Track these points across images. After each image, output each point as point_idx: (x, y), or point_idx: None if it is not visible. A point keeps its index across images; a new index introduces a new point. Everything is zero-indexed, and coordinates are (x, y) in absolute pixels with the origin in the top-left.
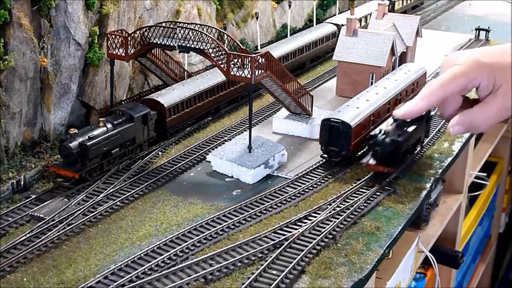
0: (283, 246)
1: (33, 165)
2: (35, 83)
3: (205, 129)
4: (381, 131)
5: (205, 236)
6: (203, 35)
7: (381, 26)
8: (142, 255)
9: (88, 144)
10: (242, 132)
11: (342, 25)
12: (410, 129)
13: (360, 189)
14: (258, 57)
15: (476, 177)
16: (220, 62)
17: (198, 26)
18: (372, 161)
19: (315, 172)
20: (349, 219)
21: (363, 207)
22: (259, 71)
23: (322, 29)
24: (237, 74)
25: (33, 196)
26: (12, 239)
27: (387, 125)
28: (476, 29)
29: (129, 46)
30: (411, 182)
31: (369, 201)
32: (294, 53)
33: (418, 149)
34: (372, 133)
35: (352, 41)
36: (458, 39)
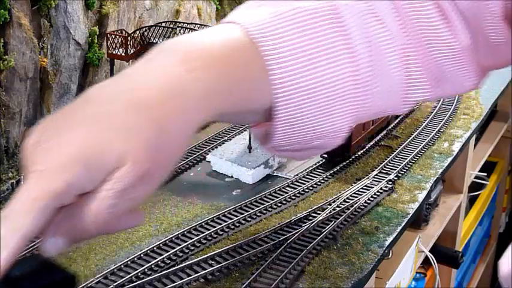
0: (283, 246)
1: None
2: (35, 83)
3: (205, 129)
4: None
5: (205, 236)
6: None
7: None
8: (142, 255)
9: None
10: (242, 132)
11: None
12: None
13: (360, 189)
14: None
15: (476, 177)
16: None
17: (198, 26)
18: None
19: (315, 172)
20: (349, 219)
21: (363, 207)
22: None
23: None
24: None
25: None
26: None
27: None
28: None
29: (129, 46)
30: (411, 182)
31: (368, 201)
32: None
33: None
34: None
35: None
36: None
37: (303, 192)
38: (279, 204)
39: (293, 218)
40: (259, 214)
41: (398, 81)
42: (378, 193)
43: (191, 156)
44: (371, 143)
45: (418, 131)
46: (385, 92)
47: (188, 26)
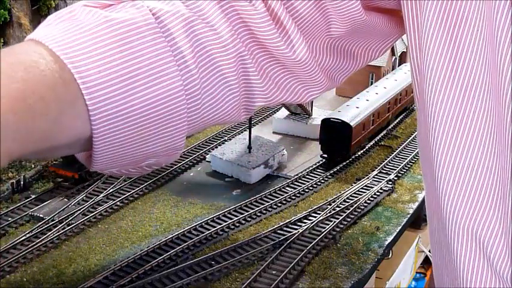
0: (283, 246)
1: (32, 165)
2: None
3: (205, 129)
4: None
5: (205, 236)
6: None
7: None
8: (142, 255)
9: None
10: (242, 132)
11: None
12: None
13: (360, 189)
14: None
15: None
16: None
17: None
18: None
19: (315, 172)
20: (349, 219)
21: (362, 207)
22: None
23: None
24: None
25: (33, 196)
26: (12, 239)
27: None
28: None
29: None
30: (411, 182)
31: (369, 201)
32: None
33: None
34: None
35: None
36: None
37: (303, 192)
38: (279, 204)
39: (293, 218)
40: (259, 214)
41: (235, 90)
42: (378, 193)
43: (191, 156)
44: (371, 143)
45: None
46: (221, 101)
47: None
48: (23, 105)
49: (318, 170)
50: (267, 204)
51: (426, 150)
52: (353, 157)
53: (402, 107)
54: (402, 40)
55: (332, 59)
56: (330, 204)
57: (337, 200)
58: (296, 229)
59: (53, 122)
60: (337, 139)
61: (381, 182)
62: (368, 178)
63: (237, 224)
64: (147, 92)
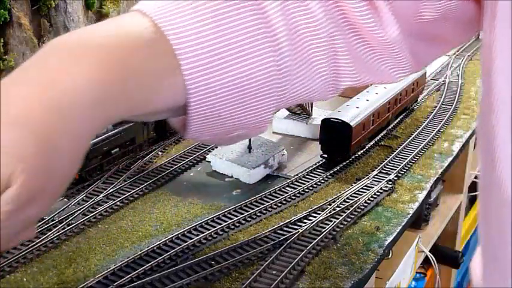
0: (283, 246)
1: None
2: None
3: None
4: None
5: (205, 236)
6: None
7: None
8: (142, 255)
9: None
10: None
11: None
12: None
13: (360, 189)
14: None
15: (476, 177)
16: None
17: None
18: None
19: (315, 172)
20: (349, 219)
21: (363, 207)
22: None
23: None
24: None
25: None
26: None
27: None
28: None
29: None
30: (411, 182)
31: (369, 201)
32: None
33: None
34: None
35: None
36: None
37: (303, 192)
38: (279, 204)
39: (293, 218)
40: (259, 214)
41: (325, 69)
42: (378, 193)
43: (191, 156)
44: (371, 143)
45: (418, 131)
46: (310, 80)
47: None
48: (124, 74)
49: (318, 170)
50: (267, 204)
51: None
52: (353, 157)
53: (402, 107)
54: None
55: (420, 42)
56: (330, 204)
57: (337, 200)
58: (296, 229)
59: (151, 90)
60: (337, 139)
61: (381, 182)
62: (368, 178)
63: (237, 224)
64: (240, 66)
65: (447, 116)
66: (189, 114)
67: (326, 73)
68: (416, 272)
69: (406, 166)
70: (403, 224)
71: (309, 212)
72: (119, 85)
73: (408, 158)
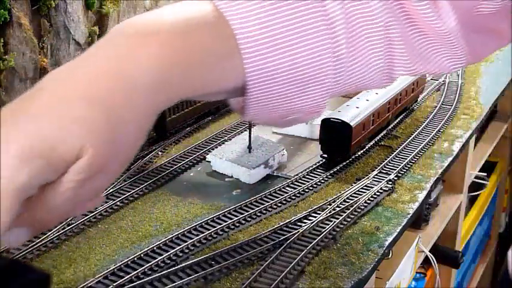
0: (283, 246)
1: None
2: (35, 83)
3: (205, 129)
4: None
5: (205, 236)
6: None
7: None
8: (142, 255)
9: None
10: (242, 132)
11: None
12: None
13: (360, 189)
14: None
15: (476, 177)
16: None
17: None
18: None
19: (315, 172)
20: (349, 219)
21: (362, 207)
22: None
23: None
24: None
25: None
26: None
27: None
28: None
29: None
30: (411, 182)
31: (369, 201)
32: None
33: None
34: None
35: None
36: None
37: (303, 192)
38: (279, 204)
39: (293, 218)
40: (259, 214)
41: (380, 57)
42: (378, 193)
43: (191, 156)
44: (371, 143)
45: (418, 131)
46: (365, 67)
47: None
48: (188, 56)
49: (318, 170)
50: (267, 204)
51: None
52: (353, 157)
53: (402, 107)
54: None
55: (478, 35)
56: (330, 204)
57: (337, 200)
58: (296, 229)
59: (212, 72)
60: (337, 139)
61: (380, 182)
62: (368, 178)
63: (237, 224)
64: (297, 52)
65: (447, 116)
66: (248, 96)
67: (381, 62)
68: (416, 272)
69: (406, 166)
70: (403, 224)
71: (309, 212)
72: (182, 66)
73: (408, 158)
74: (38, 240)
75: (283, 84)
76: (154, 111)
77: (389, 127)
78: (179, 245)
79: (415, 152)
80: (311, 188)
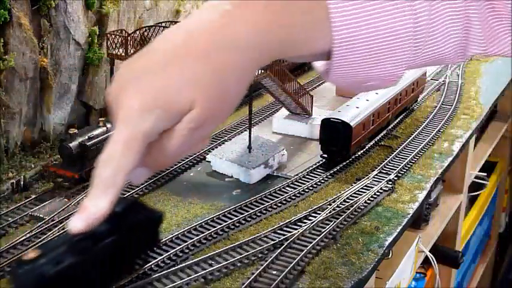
0: (283, 246)
1: (33, 165)
2: (35, 83)
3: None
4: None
5: (205, 236)
6: None
7: None
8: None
9: (88, 144)
10: (242, 132)
11: None
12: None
13: (360, 189)
14: None
15: (476, 177)
16: None
17: None
18: None
19: (315, 172)
20: (349, 219)
21: (362, 207)
22: (259, 70)
23: None
24: None
25: (33, 196)
26: (12, 239)
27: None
28: None
29: (129, 46)
30: (411, 182)
31: (368, 201)
32: None
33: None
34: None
35: None
36: None
37: (303, 192)
38: (279, 204)
39: (293, 218)
40: (259, 214)
41: (457, 34)
42: (378, 193)
43: (191, 156)
44: (371, 143)
45: (418, 131)
46: (443, 42)
47: None
48: (284, 22)
49: (318, 170)
50: (267, 204)
51: None
52: (353, 157)
53: (402, 107)
54: None
55: None
56: (330, 204)
57: (337, 200)
58: (296, 229)
59: (303, 37)
60: (337, 139)
61: (381, 182)
62: (368, 178)
63: (237, 224)
64: (380, 25)
65: (447, 116)
66: (333, 61)
67: (458, 38)
68: (416, 272)
69: (406, 166)
70: (403, 224)
71: (309, 212)
72: (278, 31)
73: (408, 158)
74: (38, 240)
75: (366, 52)
76: (254, 69)
77: (390, 127)
78: (179, 245)
79: (415, 152)
80: (311, 188)
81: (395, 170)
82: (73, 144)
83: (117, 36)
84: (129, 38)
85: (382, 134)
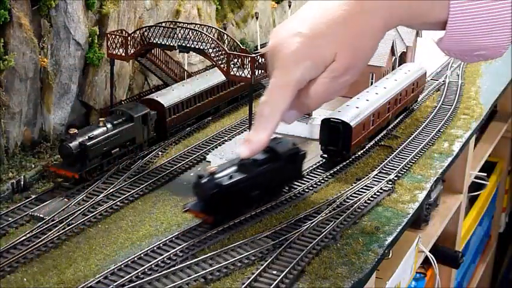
0: (283, 246)
1: (33, 165)
2: (35, 83)
3: (205, 129)
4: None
5: (205, 236)
6: (203, 35)
7: None
8: (142, 255)
9: (88, 144)
10: (242, 132)
11: None
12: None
13: (360, 189)
14: (258, 57)
15: (476, 177)
16: (220, 62)
17: (198, 26)
18: (193, 207)
19: (315, 172)
20: (349, 219)
21: (363, 207)
22: (259, 71)
23: None
24: (237, 74)
25: (33, 196)
26: (12, 239)
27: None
28: None
29: (129, 46)
30: (411, 182)
31: (369, 201)
32: None
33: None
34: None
35: None
36: None
37: (303, 192)
38: (279, 204)
39: (293, 218)
40: (259, 214)
41: None
42: (378, 193)
43: (191, 156)
44: (371, 143)
45: (418, 131)
46: None
47: (188, 26)
48: None
49: (318, 170)
50: (267, 204)
51: None
52: (353, 157)
53: (402, 107)
54: (402, 40)
55: None
56: (330, 204)
57: (337, 200)
58: (296, 229)
59: (426, 8)
60: (337, 139)
61: (381, 182)
62: (368, 178)
63: (237, 224)
64: (492, 3)
65: (447, 116)
66: (448, 30)
67: None
68: (416, 272)
69: (406, 166)
70: (403, 224)
71: (309, 212)
72: (406, 2)
73: (408, 158)
74: (38, 240)
75: (477, 24)
76: (384, 30)
77: (390, 127)
78: (179, 245)
79: (415, 152)
80: (311, 188)
81: (395, 170)
82: (73, 144)
83: (117, 36)
84: (129, 38)
85: (382, 134)
